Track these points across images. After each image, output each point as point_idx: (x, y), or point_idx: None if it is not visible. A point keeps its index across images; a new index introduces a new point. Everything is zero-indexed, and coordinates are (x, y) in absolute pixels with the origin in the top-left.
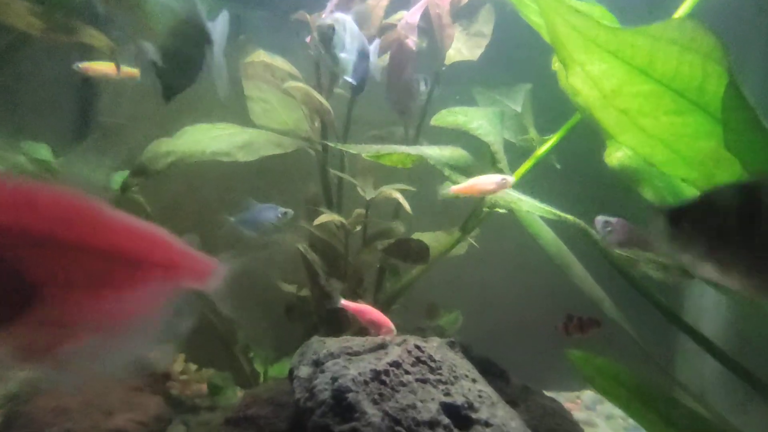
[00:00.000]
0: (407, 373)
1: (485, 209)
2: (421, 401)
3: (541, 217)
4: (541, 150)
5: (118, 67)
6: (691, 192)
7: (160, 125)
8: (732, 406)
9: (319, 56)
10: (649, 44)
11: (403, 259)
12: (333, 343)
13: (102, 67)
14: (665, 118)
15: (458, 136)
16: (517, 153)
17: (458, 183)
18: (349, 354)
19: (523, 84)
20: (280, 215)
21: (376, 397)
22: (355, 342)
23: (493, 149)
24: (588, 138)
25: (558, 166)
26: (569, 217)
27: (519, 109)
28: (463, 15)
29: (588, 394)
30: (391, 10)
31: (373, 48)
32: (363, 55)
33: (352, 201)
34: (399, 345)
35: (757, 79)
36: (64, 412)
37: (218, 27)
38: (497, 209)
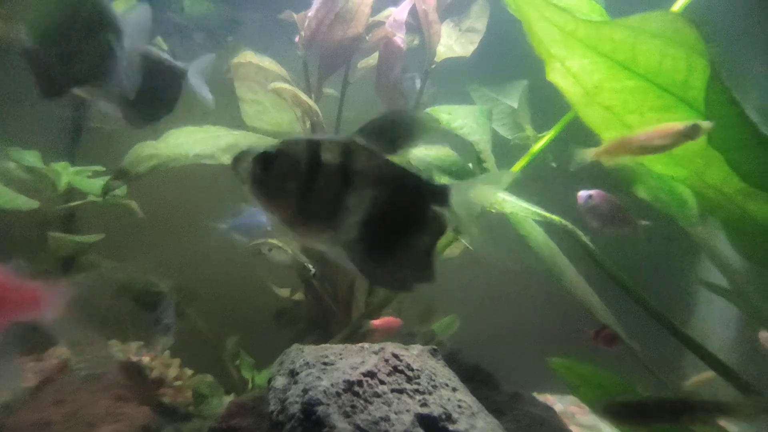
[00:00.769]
0: (382, 383)
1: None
2: (396, 413)
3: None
4: (536, 147)
5: None
6: (686, 191)
7: (152, 129)
8: None
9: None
10: (631, 38)
11: None
12: (311, 352)
13: None
14: (651, 115)
15: (451, 134)
16: (520, 150)
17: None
18: (325, 363)
19: (519, 80)
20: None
21: (348, 409)
22: (333, 350)
23: (477, 148)
24: (587, 136)
25: (554, 165)
26: (555, 218)
27: (515, 105)
28: (454, 11)
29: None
30: (382, 5)
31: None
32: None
33: None
34: (376, 353)
35: (757, 74)
36: (46, 425)
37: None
38: (489, 209)
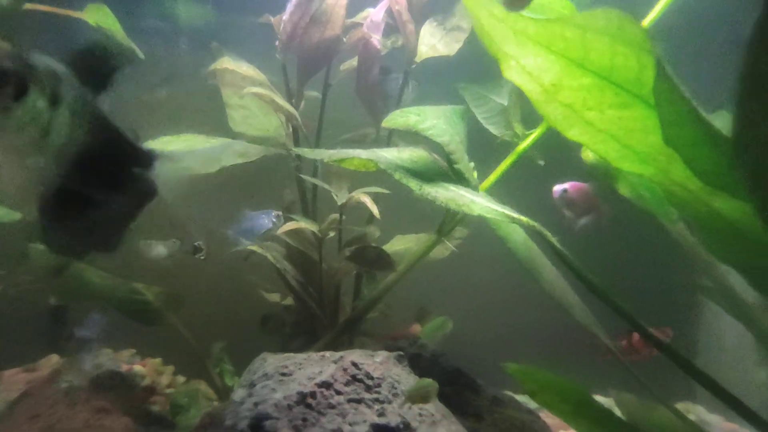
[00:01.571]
0: (339, 393)
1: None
2: (350, 424)
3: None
4: (523, 145)
5: None
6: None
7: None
8: None
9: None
10: (580, 35)
11: (366, 266)
12: (273, 362)
13: None
14: (611, 112)
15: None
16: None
17: (430, 194)
18: (283, 374)
19: None
20: (275, 220)
21: (299, 423)
22: (295, 360)
23: (447, 149)
24: None
25: (541, 163)
26: (523, 218)
27: (505, 103)
28: (438, 9)
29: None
30: (362, 6)
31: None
32: None
33: (330, 208)
34: (336, 362)
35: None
36: None
37: None
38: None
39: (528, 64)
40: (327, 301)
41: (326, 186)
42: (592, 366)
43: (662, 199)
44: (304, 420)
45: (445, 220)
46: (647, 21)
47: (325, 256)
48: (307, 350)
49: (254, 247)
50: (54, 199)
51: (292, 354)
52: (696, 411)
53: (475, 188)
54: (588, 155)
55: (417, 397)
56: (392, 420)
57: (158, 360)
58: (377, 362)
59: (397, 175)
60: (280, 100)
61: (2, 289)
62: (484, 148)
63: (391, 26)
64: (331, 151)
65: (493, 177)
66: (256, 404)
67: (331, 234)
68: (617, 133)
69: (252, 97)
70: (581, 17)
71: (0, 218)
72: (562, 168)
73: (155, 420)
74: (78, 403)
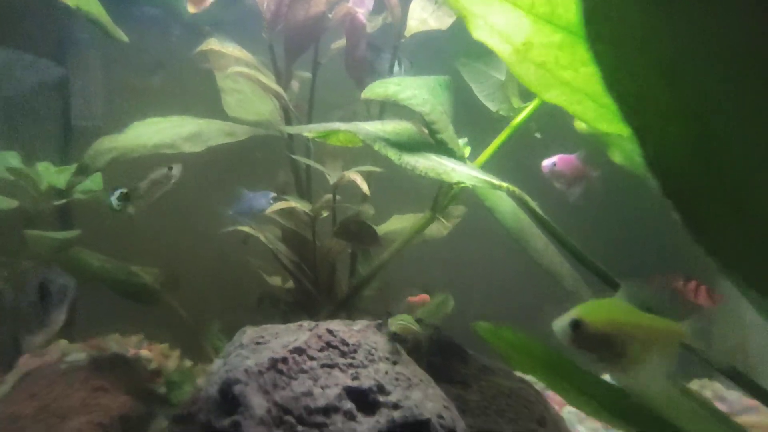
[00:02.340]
0: (312, 359)
1: (454, 186)
2: (322, 387)
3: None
4: (519, 118)
5: None
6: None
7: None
8: None
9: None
10: None
11: (354, 242)
12: (251, 332)
13: None
14: (585, 70)
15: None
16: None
17: (409, 164)
18: (258, 343)
19: None
20: (272, 201)
21: (269, 387)
22: (273, 330)
23: (428, 119)
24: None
25: (538, 136)
26: (504, 184)
27: (503, 77)
28: None
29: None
30: None
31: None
32: None
33: (325, 189)
34: (311, 330)
35: None
36: (17, 418)
37: None
38: (462, 184)
39: (497, 23)
40: (322, 280)
41: (318, 166)
42: None
43: None
44: (275, 385)
45: (438, 197)
46: None
47: (320, 236)
48: None
49: (246, 228)
50: None
51: (271, 325)
52: (713, 388)
53: (461, 159)
54: (581, 124)
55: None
56: (366, 383)
57: (165, 345)
58: (354, 330)
59: (376, 146)
60: (266, 80)
61: (7, 275)
62: (483, 125)
63: (383, 4)
64: (312, 125)
65: (489, 151)
66: (227, 371)
67: (325, 214)
68: (593, 92)
69: (246, 81)
70: None
71: None
72: (561, 143)
73: (156, 399)
74: (76, 382)
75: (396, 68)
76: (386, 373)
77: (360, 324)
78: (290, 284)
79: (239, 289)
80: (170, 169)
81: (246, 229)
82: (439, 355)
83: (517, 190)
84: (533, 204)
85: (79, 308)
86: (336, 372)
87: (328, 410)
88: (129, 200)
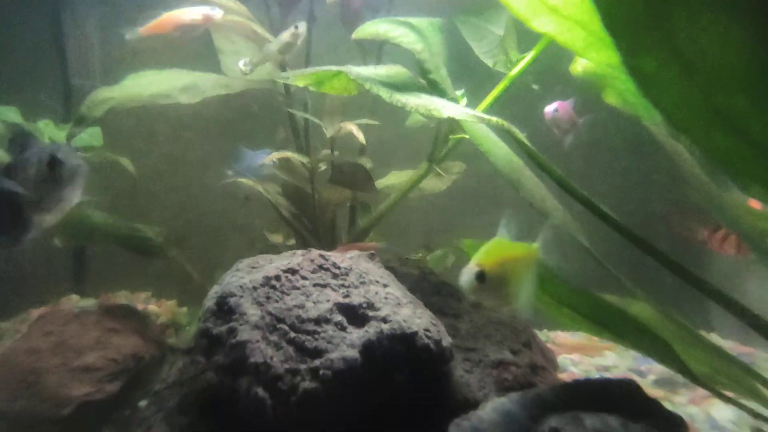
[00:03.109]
0: (304, 278)
1: (450, 136)
2: (314, 302)
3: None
4: (516, 70)
5: None
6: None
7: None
8: None
9: None
10: None
11: (349, 186)
12: (247, 260)
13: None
14: None
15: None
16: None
17: (400, 101)
18: (253, 267)
19: None
20: (274, 160)
21: (263, 300)
22: (268, 257)
23: (420, 57)
24: (570, 57)
25: (535, 87)
26: (493, 119)
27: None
28: None
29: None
30: None
31: None
32: None
33: (323, 145)
34: (304, 255)
35: None
36: (35, 352)
37: None
38: (462, 135)
39: None
40: (323, 232)
41: (315, 119)
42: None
43: (647, 103)
44: (268, 297)
45: (435, 147)
46: None
47: (320, 191)
48: None
49: (246, 180)
50: None
51: (266, 254)
52: (710, 339)
53: (452, 100)
54: (576, 68)
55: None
56: (356, 300)
57: (173, 301)
58: (347, 257)
59: (367, 85)
60: (258, 28)
61: None
62: (481, 80)
63: None
64: (305, 69)
65: (486, 102)
66: (223, 288)
67: (323, 167)
68: (582, 18)
69: (245, 43)
70: None
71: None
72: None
73: (167, 348)
74: (89, 323)
75: None
76: (376, 293)
77: (353, 253)
78: (292, 242)
79: (242, 244)
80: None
81: (246, 181)
82: (435, 295)
83: (505, 123)
84: (521, 135)
85: (88, 268)
86: (328, 290)
87: (319, 320)
88: None
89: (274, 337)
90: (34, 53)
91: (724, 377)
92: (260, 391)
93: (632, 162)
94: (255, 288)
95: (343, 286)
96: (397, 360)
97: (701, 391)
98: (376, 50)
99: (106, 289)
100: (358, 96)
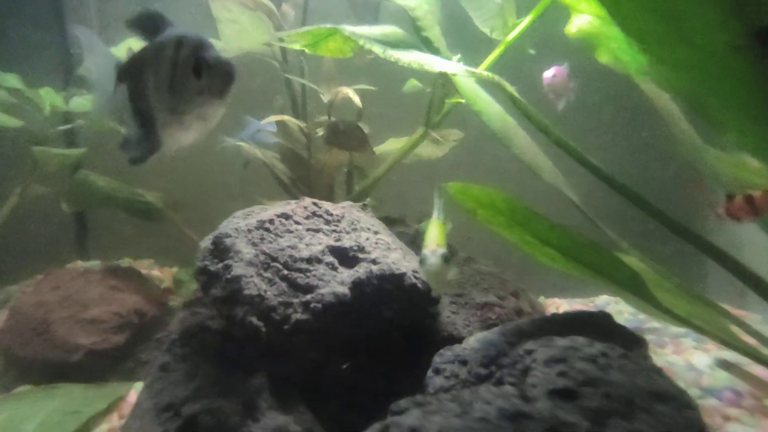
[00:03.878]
0: (297, 223)
1: (446, 101)
2: (306, 244)
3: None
4: (512, 35)
5: None
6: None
7: None
8: None
9: None
10: None
11: (344, 146)
12: (242, 211)
13: None
14: None
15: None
16: None
17: (393, 56)
18: (247, 215)
19: None
20: (275, 128)
21: (257, 240)
22: (262, 207)
23: (413, 15)
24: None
25: (532, 52)
26: (483, 73)
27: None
28: None
29: (602, 299)
30: None
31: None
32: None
33: (320, 112)
34: (297, 203)
35: None
36: (44, 304)
37: None
38: (458, 100)
39: None
40: (320, 197)
41: (312, 85)
42: None
43: (639, 59)
44: (262, 239)
45: (429, 112)
46: None
47: (316, 154)
48: None
49: (243, 144)
50: None
51: (261, 206)
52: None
53: (446, 58)
54: (572, 28)
55: None
56: (347, 243)
57: (176, 268)
58: (339, 206)
59: (361, 42)
60: None
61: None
62: (478, 47)
63: None
64: (300, 29)
65: (483, 66)
66: (219, 230)
67: (321, 133)
68: None
69: (242, 12)
70: None
71: (3, 123)
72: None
73: (169, 310)
74: (93, 281)
75: None
76: (367, 239)
77: (345, 203)
78: None
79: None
80: None
81: (244, 145)
82: None
83: (496, 77)
84: (510, 88)
85: (92, 237)
86: (320, 235)
87: (311, 260)
88: None
89: (267, 274)
90: (34, 22)
91: (700, 321)
92: (255, 320)
93: (632, 127)
94: (250, 230)
95: (335, 231)
96: (386, 297)
97: (684, 344)
98: (372, 18)
99: (110, 258)
100: (356, 68)
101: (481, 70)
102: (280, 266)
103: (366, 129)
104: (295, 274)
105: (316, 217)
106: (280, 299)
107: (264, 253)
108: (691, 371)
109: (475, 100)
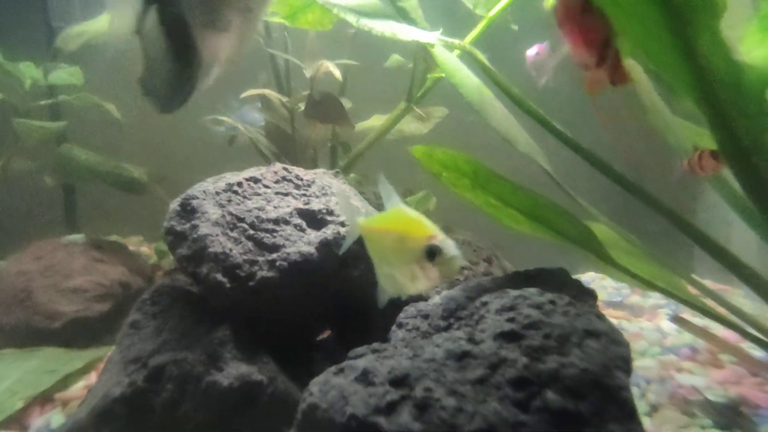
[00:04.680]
0: (267, 187)
1: (428, 76)
2: (274, 207)
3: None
4: (495, 11)
5: None
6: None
7: None
8: None
9: None
10: None
11: (323, 118)
12: (214, 176)
13: None
14: None
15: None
16: None
17: (366, 26)
18: (218, 179)
19: None
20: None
21: (224, 202)
22: (235, 173)
23: None
24: None
25: (515, 27)
26: (456, 42)
27: None
28: None
29: (588, 275)
30: None
31: None
32: None
33: (304, 88)
34: (267, 168)
35: None
36: (25, 273)
37: None
38: (439, 75)
39: None
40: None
41: (296, 60)
42: None
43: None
44: (229, 200)
45: (412, 87)
46: None
47: (299, 129)
48: None
49: (226, 118)
50: None
51: (234, 171)
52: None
53: (423, 29)
54: (549, 1)
55: None
56: (315, 206)
57: (163, 245)
58: (311, 172)
59: (335, 10)
60: None
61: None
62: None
63: None
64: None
65: (465, 41)
66: (187, 193)
67: (302, 107)
68: None
69: None
70: None
71: None
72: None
73: (155, 281)
74: (76, 252)
75: None
76: (337, 203)
77: (318, 170)
78: None
79: None
80: None
81: (226, 119)
82: None
83: (467, 46)
84: (481, 57)
85: (80, 214)
86: (289, 198)
87: (278, 221)
88: None
89: (234, 234)
90: None
91: (662, 282)
92: (219, 276)
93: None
94: (218, 193)
95: (305, 195)
96: (352, 257)
97: (660, 315)
98: None
99: (99, 235)
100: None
101: (459, 41)
102: (247, 226)
103: (348, 104)
104: (262, 234)
105: (285, 182)
106: (246, 257)
107: (231, 213)
108: (657, 333)
109: (454, 73)
